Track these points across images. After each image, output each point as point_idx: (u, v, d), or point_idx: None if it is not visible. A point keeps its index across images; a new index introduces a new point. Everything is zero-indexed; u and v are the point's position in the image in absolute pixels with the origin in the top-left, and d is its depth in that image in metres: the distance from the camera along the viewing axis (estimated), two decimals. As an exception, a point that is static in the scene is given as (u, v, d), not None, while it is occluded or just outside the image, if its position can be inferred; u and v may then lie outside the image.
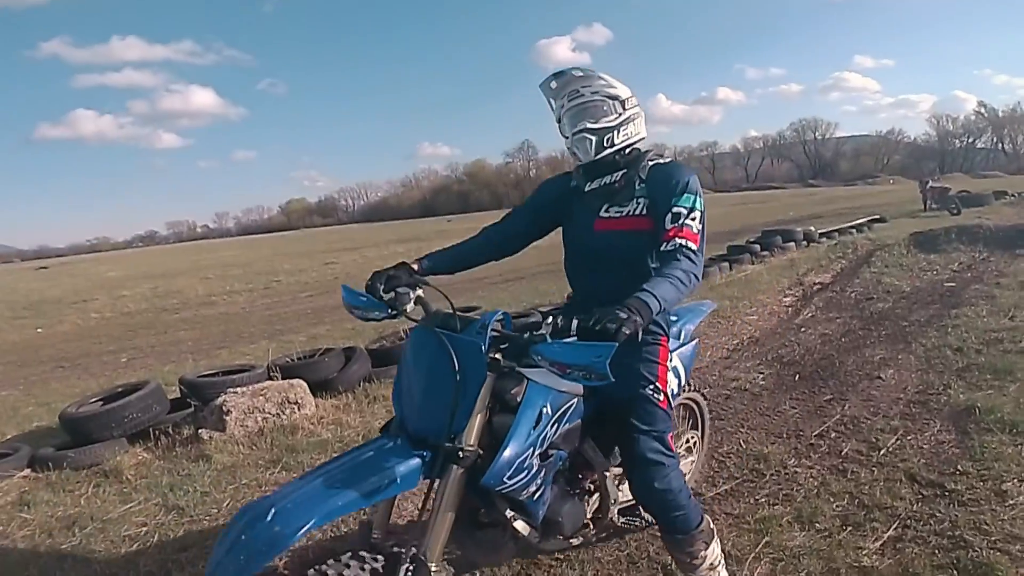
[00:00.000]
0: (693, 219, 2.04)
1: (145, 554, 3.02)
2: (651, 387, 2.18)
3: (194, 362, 7.64)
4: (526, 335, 1.80)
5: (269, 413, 4.58)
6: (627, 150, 2.22)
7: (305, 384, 4.91)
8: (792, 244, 12.25)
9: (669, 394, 2.25)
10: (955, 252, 10.17)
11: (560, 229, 2.43)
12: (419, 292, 2.12)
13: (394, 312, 2.07)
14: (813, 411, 4.14)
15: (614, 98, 2.19)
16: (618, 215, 2.19)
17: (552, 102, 2.25)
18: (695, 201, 2.07)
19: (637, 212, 2.16)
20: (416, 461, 1.74)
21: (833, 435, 3.75)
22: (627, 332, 1.63)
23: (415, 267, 2.25)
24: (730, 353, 5.80)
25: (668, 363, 2.28)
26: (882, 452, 3.44)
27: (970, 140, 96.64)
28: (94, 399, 4.74)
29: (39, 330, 13.93)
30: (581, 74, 2.18)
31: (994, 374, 4.37)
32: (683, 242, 2.00)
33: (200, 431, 4.41)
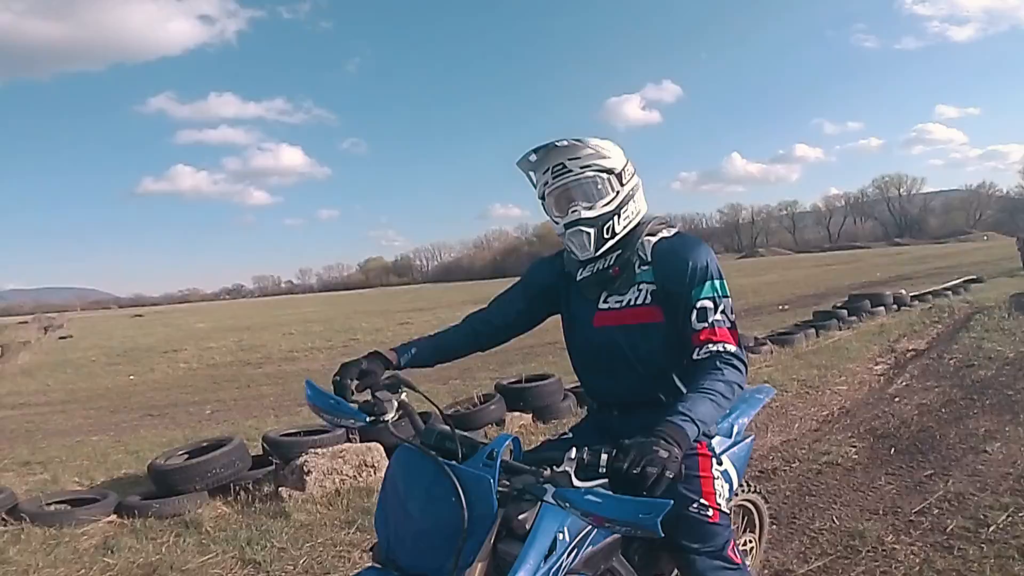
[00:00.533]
0: (723, 312, 1.76)
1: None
2: (695, 505, 1.87)
3: (275, 418, 7.83)
4: (546, 471, 1.49)
5: (347, 475, 4.65)
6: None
7: (382, 447, 4.94)
8: (882, 308, 11.64)
9: (720, 505, 1.93)
10: (1061, 314, 9.46)
11: (558, 318, 2.14)
12: (403, 396, 1.79)
13: (372, 420, 1.74)
14: (912, 487, 3.84)
15: (609, 171, 1.86)
16: (618, 306, 1.89)
17: (532, 176, 1.96)
18: (719, 287, 1.78)
19: (641, 301, 1.85)
20: None
21: (935, 512, 3.47)
22: (670, 476, 1.38)
23: (391, 358, 1.95)
24: (820, 425, 5.49)
25: (713, 471, 1.96)
26: (992, 529, 3.16)
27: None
28: (181, 452, 4.90)
29: (132, 377, 14.63)
30: (566, 144, 1.84)
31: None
32: (719, 347, 1.71)
33: (280, 489, 4.51)
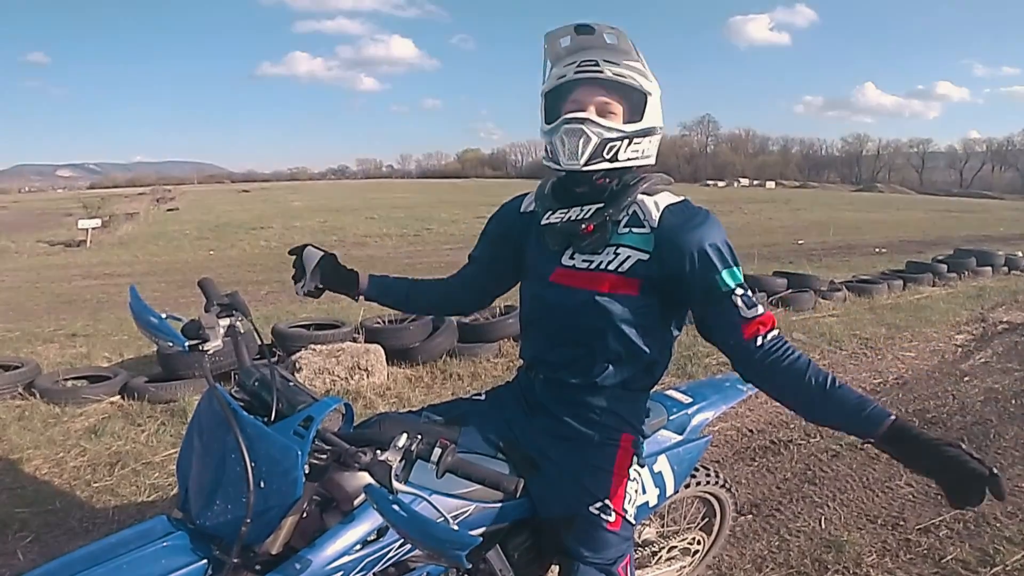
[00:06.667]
0: (748, 296, 1.46)
1: (147, 512, 3.00)
2: (598, 505, 1.58)
3: (316, 306, 7.92)
4: (365, 455, 1.22)
5: (338, 376, 4.59)
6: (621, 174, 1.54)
7: (382, 350, 4.86)
8: (988, 268, 10.36)
9: (628, 513, 1.64)
10: None
11: None
12: (235, 322, 1.53)
13: (191, 346, 1.45)
14: (932, 495, 3.27)
15: (644, 93, 1.50)
16: (586, 267, 1.53)
17: (549, 61, 1.58)
18: (738, 270, 1.48)
19: (615, 267, 1.50)
20: (200, 564, 1.29)
21: (943, 533, 2.93)
22: None
23: (359, 278, 1.83)
24: (865, 395, 4.90)
25: (632, 470, 1.66)
26: (994, 569, 2.64)
27: None
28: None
29: (211, 253, 15.33)
30: (614, 41, 1.47)
31: None
32: (774, 331, 1.45)
33: (271, 383, 4.52)
